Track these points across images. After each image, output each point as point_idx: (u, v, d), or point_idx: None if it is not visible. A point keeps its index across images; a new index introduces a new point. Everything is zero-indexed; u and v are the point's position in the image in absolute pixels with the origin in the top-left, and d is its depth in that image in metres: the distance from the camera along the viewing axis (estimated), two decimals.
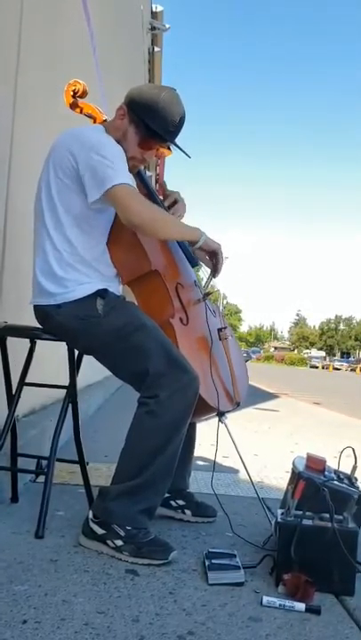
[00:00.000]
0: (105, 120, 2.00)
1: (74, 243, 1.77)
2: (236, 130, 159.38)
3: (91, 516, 1.70)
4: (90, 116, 2.00)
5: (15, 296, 2.34)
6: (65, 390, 1.97)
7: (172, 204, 2.12)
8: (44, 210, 1.78)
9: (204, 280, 2.09)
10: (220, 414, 1.94)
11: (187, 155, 1.99)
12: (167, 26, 9.15)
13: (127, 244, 1.84)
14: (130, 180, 1.72)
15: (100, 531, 1.66)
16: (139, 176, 1.98)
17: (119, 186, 1.67)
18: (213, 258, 1.96)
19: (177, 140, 1.89)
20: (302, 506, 1.61)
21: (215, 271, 1.99)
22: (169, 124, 1.83)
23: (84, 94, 1.99)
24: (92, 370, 3.11)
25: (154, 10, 8.84)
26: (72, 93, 1.98)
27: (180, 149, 1.93)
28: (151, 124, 1.82)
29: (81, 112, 2.01)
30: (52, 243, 1.77)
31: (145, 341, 1.69)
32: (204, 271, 2.11)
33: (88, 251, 1.79)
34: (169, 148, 1.96)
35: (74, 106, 2.00)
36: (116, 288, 1.86)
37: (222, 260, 1.97)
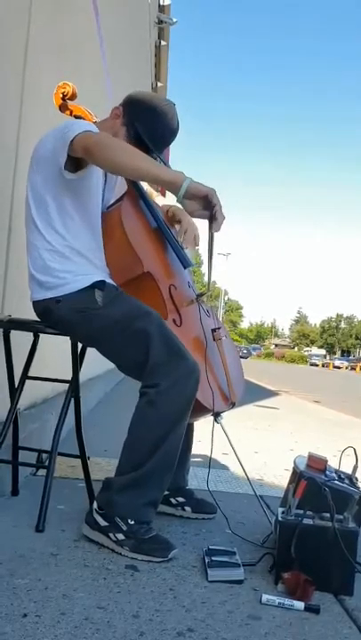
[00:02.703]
0: (95, 122, 1.99)
1: (63, 234, 1.78)
2: (240, 126, 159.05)
3: (95, 506, 1.70)
4: (80, 119, 1.99)
5: (19, 290, 2.33)
6: (66, 384, 1.97)
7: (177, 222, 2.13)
8: (32, 206, 1.80)
9: (206, 278, 2.08)
10: (216, 415, 1.94)
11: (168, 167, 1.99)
12: (174, 20, 9.11)
13: (119, 247, 1.84)
14: (93, 128, 1.72)
15: (102, 522, 1.67)
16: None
17: (79, 134, 1.67)
18: (208, 206, 1.64)
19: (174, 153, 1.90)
20: (303, 505, 1.61)
21: (214, 220, 1.67)
22: (158, 136, 1.87)
23: (73, 97, 1.98)
24: (93, 363, 3.11)
25: (161, 3, 8.80)
26: (61, 96, 1.97)
27: (165, 163, 1.91)
28: (141, 131, 1.84)
29: (71, 114, 2.00)
30: (42, 236, 1.78)
31: (146, 330, 1.69)
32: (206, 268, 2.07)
33: (78, 242, 1.79)
34: (156, 159, 1.95)
35: (63, 108, 1.99)
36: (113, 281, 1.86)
37: (220, 207, 1.65)
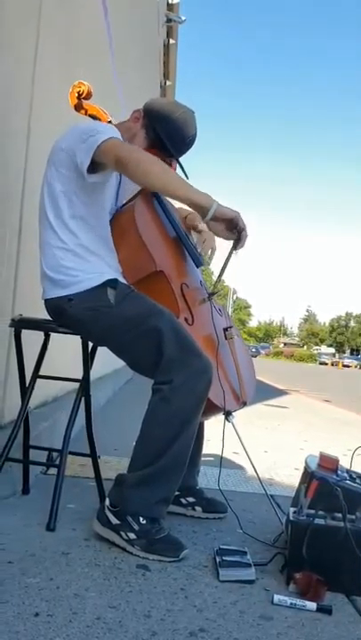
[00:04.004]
0: (110, 121, 2.00)
1: (77, 233, 1.78)
2: (251, 124, 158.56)
3: (108, 503, 1.70)
4: (94, 118, 1.99)
5: (30, 289, 2.34)
6: (75, 383, 1.97)
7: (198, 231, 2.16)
8: (47, 205, 1.80)
9: (215, 276, 2.07)
10: (227, 413, 1.93)
11: (186, 175, 2.01)
12: (183, 18, 9.06)
13: (131, 245, 1.84)
14: (118, 135, 1.73)
15: (114, 520, 1.67)
16: None
17: (106, 141, 1.67)
18: (232, 227, 1.74)
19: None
20: (315, 505, 1.61)
21: (239, 241, 1.76)
22: (178, 139, 1.90)
23: (88, 96, 1.98)
24: (102, 362, 3.12)
25: (170, 2, 8.76)
26: (77, 95, 1.97)
27: (182, 168, 1.98)
28: (162, 134, 1.87)
29: (86, 113, 2.00)
30: (56, 235, 1.78)
31: (158, 328, 1.69)
32: (215, 268, 2.09)
33: (91, 241, 1.80)
34: (170, 164, 1.96)
35: (78, 107, 1.99)
36: (125, 279, 1.86)
37: (245, 229, 1.74)
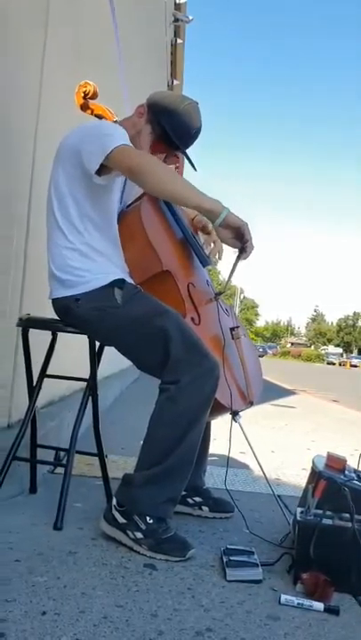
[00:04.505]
0: (115, 121, 2.00)
1: (84, 232, 1.79)
2: (259, 124, 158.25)
3: (115, 502, 1.70)
4: (100, 118, 1.99)
5: (38, 289, 2.34)
6: (82, 382, 1.97)
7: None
8: (54, 204, 1.81)
9: (221, 276, 2.08)
10: (234, 413, 1.93)
11: (193, 167, 2.02)
12: (190, 17, 9.06)
13: (138, 245, 1.84)
14: (126, 138, 1.73)
15: (121, 520, 1.67)
16: None
17: (117, 148, 1.67)
18: (240, 237, 1.75)
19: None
20: (322, 505, 1.60)
21: (244, 252, 1.79)
22: (184, 132, 1.89)
23: (94, 95, 1.98)
24: (109, 362, 3.12)
25: (177, 1, 8.76)
26: (83, 95, 1.98)
27: (189, 160, 1.98)
28: (167, 127, 1.86)
29: (92, 113, 2.01)
30: (63, 235, 1.79)
31: (164, 328, 1.69)
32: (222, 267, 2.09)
33: (98, 240, 1.81)
34: (177, 157, 1.96)
35: (84, 107, 2.00)
36: (132, 279, 1.86)
37: (251, 240, 1.76)
